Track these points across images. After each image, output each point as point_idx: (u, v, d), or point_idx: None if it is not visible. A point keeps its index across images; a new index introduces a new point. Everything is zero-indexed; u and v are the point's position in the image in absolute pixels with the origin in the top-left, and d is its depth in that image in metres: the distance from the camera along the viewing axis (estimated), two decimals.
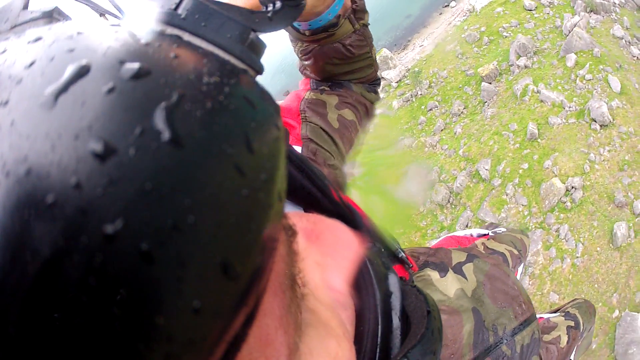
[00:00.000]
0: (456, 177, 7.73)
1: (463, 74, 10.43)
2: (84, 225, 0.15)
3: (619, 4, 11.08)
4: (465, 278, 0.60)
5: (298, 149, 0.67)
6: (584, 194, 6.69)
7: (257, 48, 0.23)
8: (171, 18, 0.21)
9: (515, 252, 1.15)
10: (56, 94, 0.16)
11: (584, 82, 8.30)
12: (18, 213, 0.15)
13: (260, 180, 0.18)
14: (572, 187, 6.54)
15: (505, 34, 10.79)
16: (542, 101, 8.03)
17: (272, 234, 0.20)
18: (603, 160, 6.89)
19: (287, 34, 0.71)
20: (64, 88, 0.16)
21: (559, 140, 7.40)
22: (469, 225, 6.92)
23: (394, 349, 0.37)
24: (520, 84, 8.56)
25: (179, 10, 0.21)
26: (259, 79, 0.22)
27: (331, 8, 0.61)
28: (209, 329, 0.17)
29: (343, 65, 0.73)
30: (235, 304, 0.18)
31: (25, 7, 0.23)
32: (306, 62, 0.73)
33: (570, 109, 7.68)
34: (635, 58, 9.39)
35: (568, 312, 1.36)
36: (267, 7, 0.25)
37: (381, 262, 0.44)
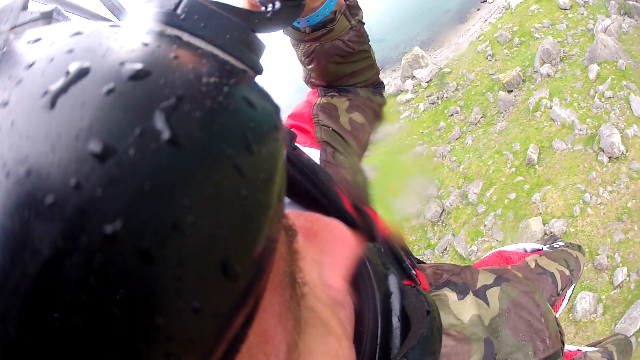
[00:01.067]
0: (450, 195, 6.98)
1: (489, 78, 9.39)
2: (83, 225, 0.15)
3: None
4: (487, 303, 0.57)
5: (317, 152, 0.67)
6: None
7: (257, 48, 0.23)
8: (170, 18, 0.21)
9: (567, 272, 1.10)
10: (56, 95, 0.16)
11: (603, 100, 7.35)
12: (18, 213, 0.15)
13: (259, 181, 0.19)
14: (550, 232, 5.29)
15: (537, 35, 11.05)
16: (552, 119, 7.06)
17: (272, 234, 0.20)
18: (599, 204, 5.65)
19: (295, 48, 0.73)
20: (64, 89, 0.16)
21: (558, 170, 6.38)
22: (448, 249, 6.21)
23: (393, 349, 0.37)
24: (535, 96, 7.84)
25: (178, 11, 0.21)
26: (259, 79, 0.23)
27: (326, 3, 0.63)
28: (208, 329, 0.17)
29: (345, 64, 0.75)
30: (234, 304, 0.18)
31: (25, 7, 0.23)
32: (309, 66, 0.75)
33: (581, 132, 6.61)
34: None
35: (606, 348, 1.33)
36: (266, 8, 0.25)
37: (381, 262, 0.44)
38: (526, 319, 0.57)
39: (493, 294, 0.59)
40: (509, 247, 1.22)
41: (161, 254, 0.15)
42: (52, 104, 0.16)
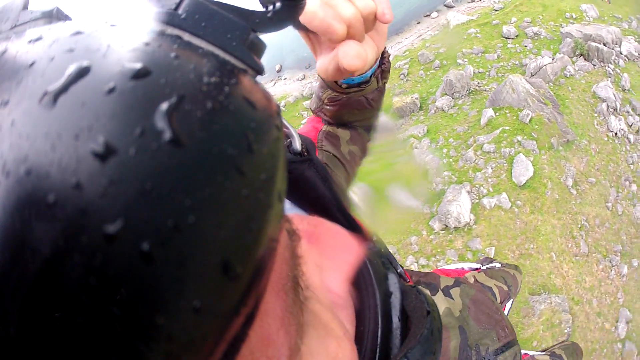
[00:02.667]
0: None
1: (391, 98, 8.44)
2: (84, 225, 0.15)
3: (627, 56, 8.30)
4: (452, 299, 0.61)
5: None
6: None
7: (258, 48, 0.23)
8: (171, 18, 0.20)
9: (505, 288, 1.16)
10: (56, 94, 0.16)
11: (479, 153, 5.69)
12: (18, 213, 0.15)
13: (260, 180, 0.18)
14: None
15: (460, 61, 8.40)
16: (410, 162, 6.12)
17: (272, 234, 0.20)
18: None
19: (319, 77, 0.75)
20: (64, 88, 0.16)
21: (384, 228, 5.12)
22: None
23: (393, 349, 0.37)
24: (411, 130, 6.72)
25: (179, 10, 0.21)
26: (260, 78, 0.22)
27: (372, 69, 0.66)
28: (209, 329, 0.17)
29: (357, 116, 0.79)
30: (235, 304, 0.18)
31: (25, 7, 0.23)
32: (328, 107, 0.77)
33: (430, 186, 5.45)
34: (609, 134, 6.57)
35: (554, 352, 1.35)
36: (267, 7, 0.25)
37: (381, 262, 0.44)
38: (485, 312, 0.62)
39: (455, 292, 0.64)
40: (448, 266, 1.32)
41: (162, 253, 0.15)
42: (53, 103, 0.16)
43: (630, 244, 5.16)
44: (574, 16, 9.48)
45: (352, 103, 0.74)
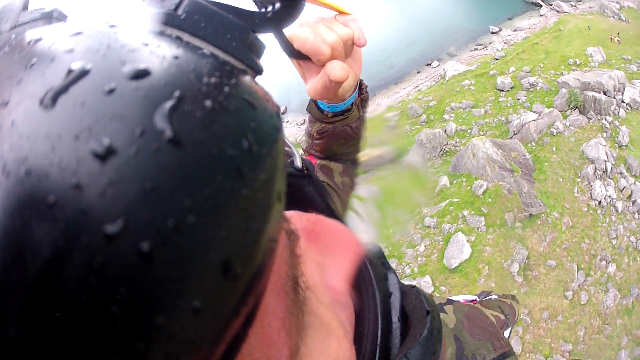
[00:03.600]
0: None
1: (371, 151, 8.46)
2: (84, 225, 0.15)
3: (630, 104, 7.85)
4: (446, 313, 0.63)
5: None
6: None
7: (257, 49, 0.23)
8: (171, 19, 0.20)
9: (502, 317, 1.17)
10: (56, 95, 0.16)
11: (418, 228, 5.54)
12: (18, 213, 0.15)
13: (259, 181, 0.18)
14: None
15: (447, 116, 8.54)
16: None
17: (272, 234, 0.20)
18: None
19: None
20: (64, 89, 0.16)
21: None
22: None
23: (393, 349, 0.36)
24: (366, 189, 6.59)
25: (179, 11, 0.21)
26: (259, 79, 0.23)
27: (352, 96, 0.75)
28: (209, 329, 0.17)
29: (345, 146, 0.87)
30: (235, 304, 0.18)
31: (25, 8, 0.23)
32: (317, 141, 0.87)
33: None
34: (590, 203, 6.14)
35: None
36: (266, 8, 0.25)
37: (381, 262, 0.43)
38: (480, 325, 0.63)
39: (449, 308, 0.65)
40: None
41: (161, 254, 0.15)
42: (53, 104, 0.16)
43: (589, 341, 4.50)
44: (578, 62, 9.03)
45: (339, 133, 0.84)
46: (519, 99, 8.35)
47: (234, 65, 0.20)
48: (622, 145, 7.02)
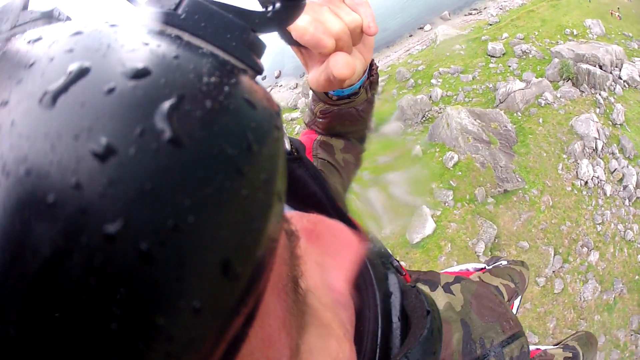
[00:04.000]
0: None
1: None
2: (84, 225, 0.15)
3: (628, 81, 7.35)
4: (453, 295, 0.62)
5: None
6: None
7: (257, 48, 0.23)
8: (171, 18, 0.21)
9: (512, 285, 1.15)
10: (56, 94, 0.16)
11: (383, 197, 4.99)
12: (18, 213, 0.15)
13: (260, 180, 0.18)
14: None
15: (434, 81, 7.90)
16: None
17: (272, 234, 0.20)
18: None
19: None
20: (64, 88, 0.16)
21: None
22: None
23: (393, 349, 0.37)
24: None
25: (179, 10, 0.21)
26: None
27: (361, 80, 0.70)
28: (209, 329, 0.17)
29: (349, 126, 0.82)
30: (235, 303, 0.18)
31: (25, 7, 0.23)
32: (320, 120, 0.81)
33: None
34: (575, 183, 5.61)
35: (567, 344, 1.34)
36: (267, 8, 0.25)
37: (381, 262, 0.44)
38: (488, 306, 0.62)
39: (456, 288, 0.64)
40: (452, 269, 1.30)
41: (162, 254, 0.15)
42: (52, 103, 0.16)
43: (560, 334, 4.13)
44: (575, 33, 8.47)
45: (343, 114, 0.78)
46: (509, 66, 7.79)
47: (234, 64, 0.20)
48: (617, 124, 6.56)
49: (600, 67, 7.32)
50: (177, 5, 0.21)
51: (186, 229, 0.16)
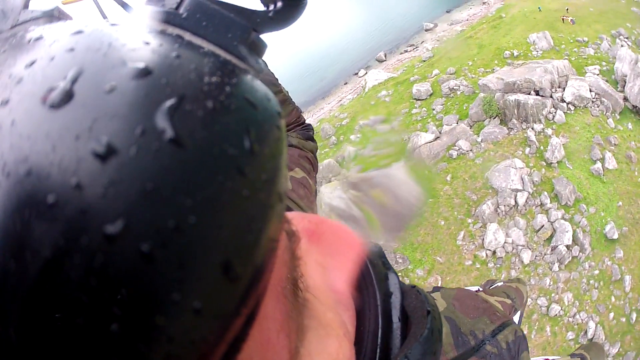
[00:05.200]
0: None
1: None
2: (84, 225, 0.15)
3: (573, 102, 6.29)
4: (434, 300, 0.64)
5: None
6: None
7: (259, 48, 0.23)
8: (172, 17, 0.20)
9: (508, 301, 1.14)
10: (57, 94, 0.16)
11: None
12: (18, 213, 0.15)
13: (261, 181, 0.18)
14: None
15: (353, 137, 7.37)
16: None
17: (273, 234, 0.20)
18: None
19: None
20: (65, 88, 0.16)
21: None
22: None
23: (394, 349, 0.36)
24: None
25: (180, 10, 0.21)
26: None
27: None
28: (209, 330, 0.17)
29: None
30: (235, 304, 0.18)
31: (26, 6, 0.23)
32: None
33: None
34: (481, 254, 4.79)
35: (574, 353, 1.36)
36: (268, 7, 0.25)
37: (381, 262, 0.43)
38: (472, 305, 0.64)
39: (437, 296, 0.66)
40: None
41: (162, 254, 0.15)
42: (53, 103, 0.16)
43: None
44: (516, 53, 7.44)
45: None
46: (433, 109, 6.98)
47: (235, 64, 0.20)
48: (551, 164, 5.44)
49: (537, 93, 6.25)
50: (179, 5, 0.21)
51: (187, 230, 0.15)
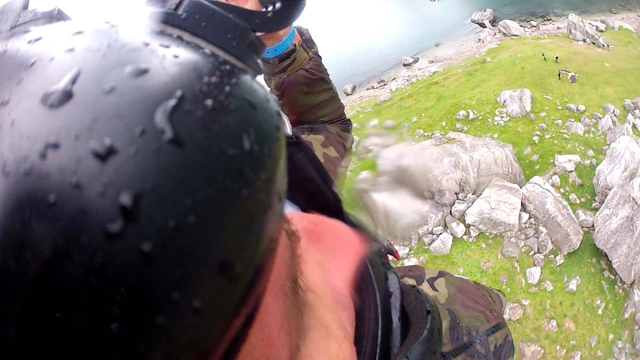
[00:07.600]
0: None
1: None
2: (84, 225, 0.15)
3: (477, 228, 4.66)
4: (438, 291, 0.66)
5: None
6: None
7: (257, 48, 0.23)
8: (172, 18, 0.21)
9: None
10: (56, 94, 0.16)
11: None
12: (18, 213, 0.15)
13: (260, 181, 0.19)
14: None
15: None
16: None
17: (272, 234, 0.20)
18: None
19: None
20: (64, 88, 0.16)
21: None
22: None
23: (393, 349, 0.37)
24: None
25: (180, 11, 0.21)
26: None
27: (289, 35, 0.78)
28: (209, 329, 0.17)
29: (311, 95, 0.88)
30: (235, 304, 0.18)
31: (26, 7, 0.23)
32: (281, 100, 0.88)
33: None
34: None
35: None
36: (267, 7, 0.26)
37: (381, 262, 0.44)
38: (472, 298, 0.67)
39: (440, 283, 0.68)
40: None
41: (162, 254, 0.15)
42: (53, 103, 0.16)
43: None
44: (472, 116, 5.45)
45: (296, 79, 0.83)
46: None
47: (234, 64, 0.21)
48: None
49: (432, 197, 4.62)
50: (178, 5, 0.21)
51: (187, 229, 0.16)
